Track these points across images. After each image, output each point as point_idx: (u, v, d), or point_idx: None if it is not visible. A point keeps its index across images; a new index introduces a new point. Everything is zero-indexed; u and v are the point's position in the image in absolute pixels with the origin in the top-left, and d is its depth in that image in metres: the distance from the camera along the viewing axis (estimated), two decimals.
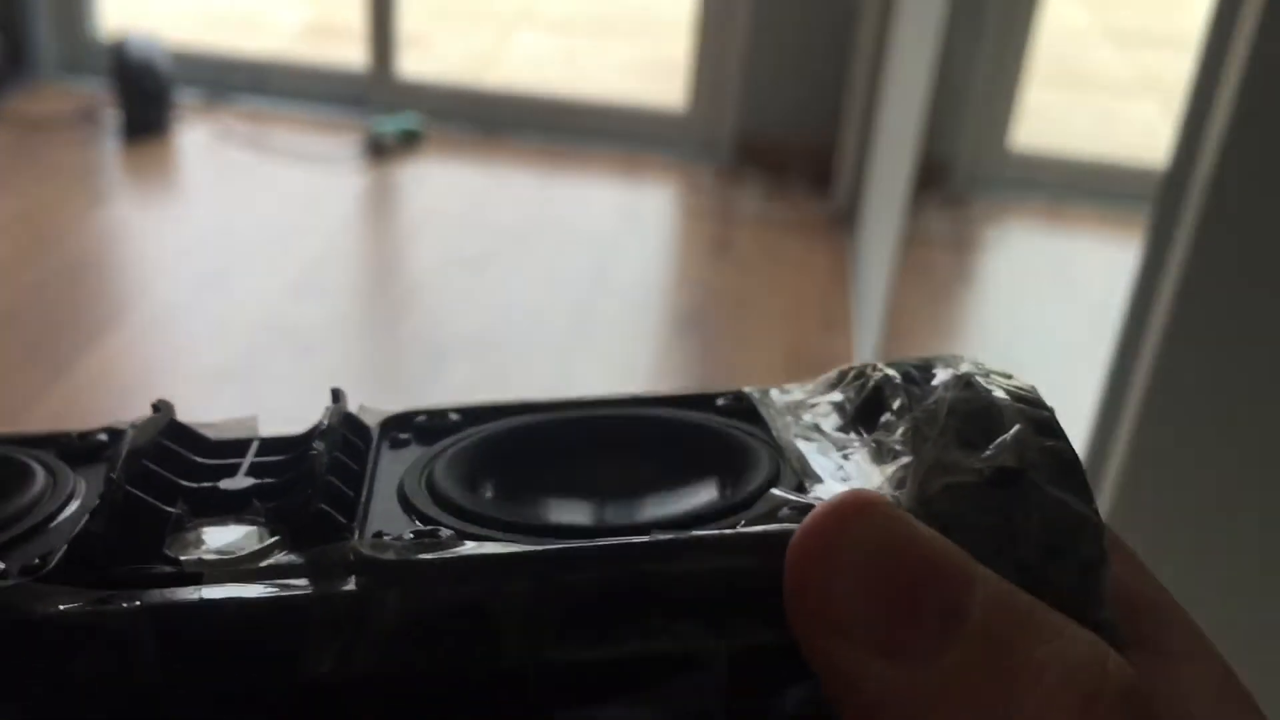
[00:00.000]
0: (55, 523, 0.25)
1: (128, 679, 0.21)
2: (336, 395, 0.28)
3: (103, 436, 0.28)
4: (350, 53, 2.97)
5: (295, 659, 0.21)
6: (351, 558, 0.22)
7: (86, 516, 0.24)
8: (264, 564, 0.23)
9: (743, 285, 2.33)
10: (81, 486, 0.26)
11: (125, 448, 0.25)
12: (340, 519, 0.24)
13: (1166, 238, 0.88)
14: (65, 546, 0.23)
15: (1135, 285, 0.93)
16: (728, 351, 2.11)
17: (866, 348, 1.96)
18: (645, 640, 0.22)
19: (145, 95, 2.66)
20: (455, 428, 0.29)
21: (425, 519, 0.25)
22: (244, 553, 0.23)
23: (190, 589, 0.22)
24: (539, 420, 0.29)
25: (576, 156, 2.80)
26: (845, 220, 2.53)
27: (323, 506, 0.24)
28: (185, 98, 2.79)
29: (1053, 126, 3.06)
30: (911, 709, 0.19)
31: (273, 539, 0.24)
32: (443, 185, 2.68)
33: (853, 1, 2.53)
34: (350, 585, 0.22)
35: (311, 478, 0.25)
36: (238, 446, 0.28)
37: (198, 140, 2.72)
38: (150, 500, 0.24)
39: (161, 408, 0.28)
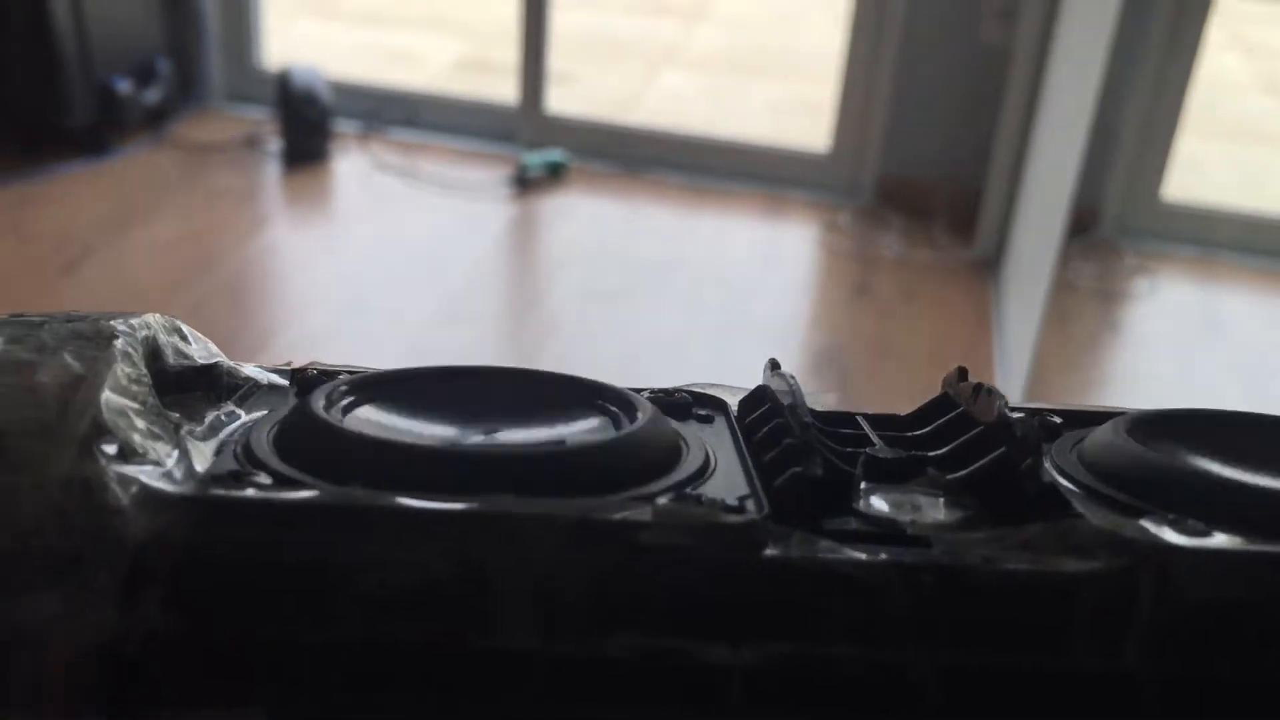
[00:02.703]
0: (711, 470, 0.25)
1: (873, 630, 0.20)
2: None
3: (685, 395, 0.30)
4: (500, 88, 3.05)
5: (1055, 639, 0.20)
6: (1093, 538, 0.21)
7: (770, 462, 0.24)
8: (983, 534, 0.22)
9: (882, 328, 2.32)
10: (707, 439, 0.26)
11: (794, 408, 0.26)
12: (1063, 495, 0.23)
13: None
14: (772, 490, 0.23)
15: None
16: (865, 393, 2.10)
17: (1010, 396, 1.93)
18: None
19: (306, 124, 2.77)
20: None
21: (1117, 505, 0.23)
22: (951, 520, 0.23)
23: (929, 551, 0.21)
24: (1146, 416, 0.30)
25: (717, 194, 2.82)
26: (989, 266, 2.50)
27: (1046, 482, 0.24)
28: (343, 127, 2.90)
29: (1207, 178, 2.98)
30: None
31: (964, 510, 0.23)
32: (585, 219, 2.73)
33: (1003, 47, 2.51)
34: (1101, 565, 0.20)
35: (1017, 451, 0.24)
36: (841, 419, 0.29)
37: (354, 168, 2.82)
38: (837, 461, 0.25)
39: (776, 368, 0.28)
